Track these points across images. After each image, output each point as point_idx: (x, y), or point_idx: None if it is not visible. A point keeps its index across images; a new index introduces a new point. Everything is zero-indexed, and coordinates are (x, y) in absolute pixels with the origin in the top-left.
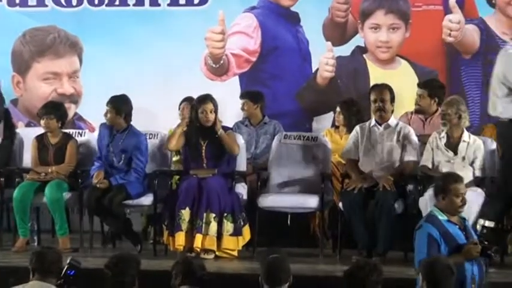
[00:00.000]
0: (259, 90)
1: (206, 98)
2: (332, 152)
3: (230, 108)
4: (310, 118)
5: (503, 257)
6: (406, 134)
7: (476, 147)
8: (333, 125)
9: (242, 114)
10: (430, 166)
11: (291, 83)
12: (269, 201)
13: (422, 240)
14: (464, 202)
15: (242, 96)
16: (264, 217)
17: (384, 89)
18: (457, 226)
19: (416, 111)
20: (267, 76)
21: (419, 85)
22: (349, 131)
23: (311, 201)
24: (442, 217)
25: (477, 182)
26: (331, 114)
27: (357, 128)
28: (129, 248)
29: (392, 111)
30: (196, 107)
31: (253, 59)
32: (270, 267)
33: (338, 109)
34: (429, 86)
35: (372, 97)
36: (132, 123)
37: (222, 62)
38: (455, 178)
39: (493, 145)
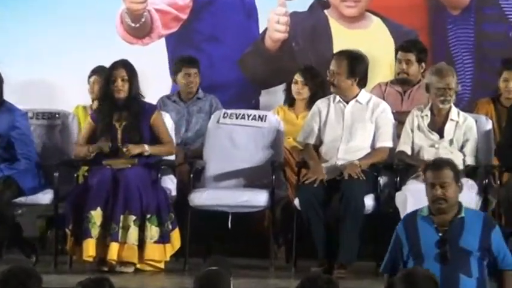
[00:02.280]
0: (192, 56)
1: (117, 64)
2: (285, 134)
3: (154, 79)
4: (257, 91)
5: None
6: (379, 112)
7: (467, 127)
8: (287, 100)
9: (170, 86)
10: (409, 152)
11: (232, 47)
12: (204, 198)
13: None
14: (438, 197)
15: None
16: (199, 219)
17: (336, 58)
18: (435, 226)
19: (400, 82)
20: (202, 38)
21: (403, 48)
22: (309, 108)
23: (258, 198)
24: (422, 212)
25: (468, 171)
26: (283, 87)
27: (318, 104)
28: (22, 260)
29: (363, 84)
30: (108, 76)
31: (184, 16)
32: (204, 283)
33: (298, 79)
34: (417, 48)
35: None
36: (13, 99)
37: (143, 20)
38: (430, 164)
39: (489, 124)
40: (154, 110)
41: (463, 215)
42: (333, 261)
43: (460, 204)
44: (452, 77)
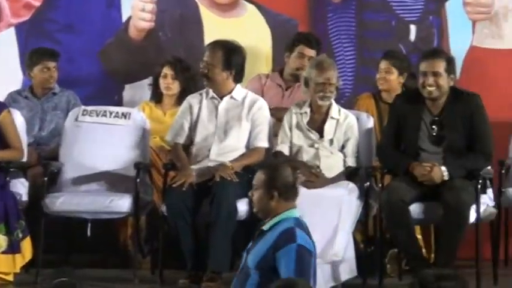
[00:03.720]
0: (51, 48)
1: None
2: (152, 134)
3: (2, 73)
4: (120, 86)
5: (382, 280)
6: (256, 109)
7: (348, 126)
8: (154, 95)
9: (20, 81)
10: (287, 153)
11: (92, 37)
12: (60, 203)
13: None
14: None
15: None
16: (54, 226)
17: (211, 48)
18: (258, 233)
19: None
20: (57, 27)
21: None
22: (179, 104)
23: (121, 204)
24: None
25: (349, 173)
26: (150, 81)
27: (189, 100)
28: None
29: (239, 79)
30: None
31: (36, 3)
32: None
33: (166, 72)
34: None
35: None
36: None
37: None
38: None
39: (370, 122)
40: (3, 109)
41: None
42: (203, 272)
43: None
44: (333, 71)
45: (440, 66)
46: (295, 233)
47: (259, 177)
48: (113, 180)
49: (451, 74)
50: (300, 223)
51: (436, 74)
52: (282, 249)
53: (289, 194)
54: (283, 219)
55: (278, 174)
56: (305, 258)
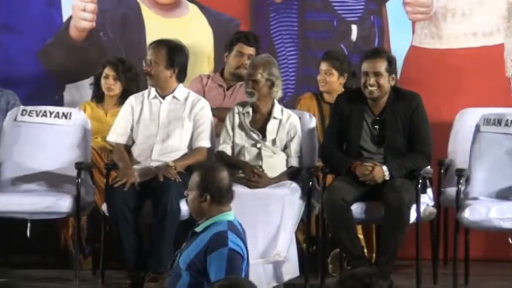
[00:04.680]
0: None
1: None
2: (93, 133)
3: None
4: (61, 86)
5: (324, 279)
6: (198, 109)
7: (291, 126)
8: (95, 95)
9: None
10: (229, 153)
11: (32, 37)
12: None
13: None
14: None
15: None
16: None
17: (155, 47)
18: (191, 234)
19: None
20: None
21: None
22: (120, 104)
23: (61, 204)
24: None
25: (292, 173)
26: (91, 81)
27: (131, 100)
28: None
29: (182, 78)
30: None
31: None
32: None
33: (108, 73)
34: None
35: None
36: None
37: None
38: None
39: (312, 122)
40: None
41: None
42: (145, 272)
43: None
44: (260, 68)
45: (382, 66)
46: (226, 237)
47: (193, 178)
48: (53, 181)
49: (392, 74)
50: (233, 226)
51: (377, 74)
52: (213, 252)
53: (223, 197)
54: (216, 221)
55: (211, 177)
56: (236, 262)
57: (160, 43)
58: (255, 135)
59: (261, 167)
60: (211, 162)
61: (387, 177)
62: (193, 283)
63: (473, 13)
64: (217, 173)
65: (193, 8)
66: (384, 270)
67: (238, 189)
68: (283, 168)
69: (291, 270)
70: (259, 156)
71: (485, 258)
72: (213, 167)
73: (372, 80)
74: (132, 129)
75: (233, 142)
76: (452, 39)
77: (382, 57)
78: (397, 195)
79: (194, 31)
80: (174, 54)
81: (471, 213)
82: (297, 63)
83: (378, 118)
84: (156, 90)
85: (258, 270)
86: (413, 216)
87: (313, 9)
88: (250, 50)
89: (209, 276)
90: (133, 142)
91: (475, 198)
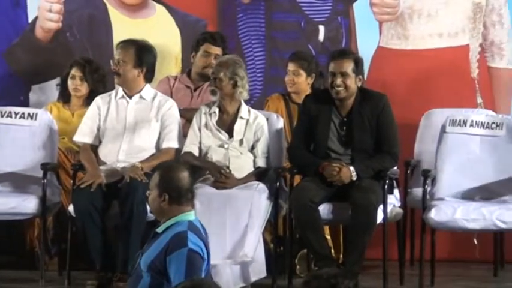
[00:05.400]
0: None
1: None
2: (60, 134)
3: None
4: (26, 87)
5: (291, 280)
6: (165, 109)
7: (258, 126)
8: (62, 96)
9: None
10: (196, 153)
11: None
12: None
13: None
14: None
15: None
16: None
17: (123, 46)
18: (153, 234)
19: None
20: None
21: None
22: (87, 105)
23: (27, 204)
24: None
25: (259, 174)
26: (57, 82)
27: (97, 100)
28: None
29: (149, 78)
30: None
31: None
32: None
33: (75, 73)
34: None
35: None
36: None
37: None
38: None
39: (280, 123)
40: None
41: None
42: (112, 273)
43: None
44: (224, 66)
45: (348, 66)
46: (186, 237)
47: (154, 178)
48: (19, 181)
49: (359, 75)
50: (194, 226)
51: (344, 75)
52: (173, 253)
53: (182, 197)
54: (177, 222)
55: (170, 177)
56: (195, 262)
57: (128, 42)
58: (222, 136)
59: (228, 167)
60: (172, 162)
61: (354, 178)
62: (154, 284)
63: (439, 14)
64: (176, 173)
65: (160, 9)
66: (351, 271)
67: (206, 190)
68: (251, 169)
69: (258, 270)
70: (226, 156)
71: (451, 259)
72: (172, 166)
73: (339, 81)
74: (98, 129)
75: (200, 143)
76: (419, 39)
77: (349, 58)
78: (364, 196)
79: (161, 32)
80: (143, 54)
81: (437, 214)
82: (264, 64)
83: (345, 119)
84: (123, 90)
85: (225, 271)
86: (380, 217)
87: (281, 10)
88: (217, 50)
89: (169, 277)
90: (100, 142)
91: (441, 199)
